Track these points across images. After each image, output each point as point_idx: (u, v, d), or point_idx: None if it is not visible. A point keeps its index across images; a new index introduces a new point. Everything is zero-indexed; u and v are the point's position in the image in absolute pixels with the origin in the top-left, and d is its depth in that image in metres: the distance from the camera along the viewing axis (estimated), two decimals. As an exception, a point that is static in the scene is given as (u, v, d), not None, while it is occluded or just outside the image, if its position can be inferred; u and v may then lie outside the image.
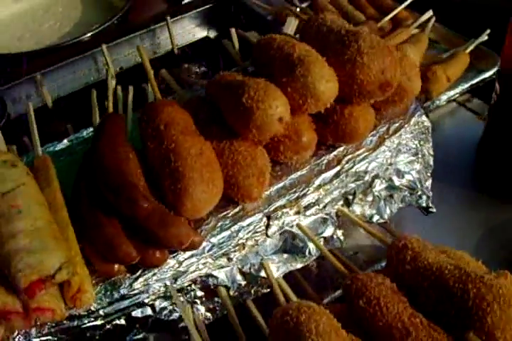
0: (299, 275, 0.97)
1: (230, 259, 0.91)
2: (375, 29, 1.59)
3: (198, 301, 0.93)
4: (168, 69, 1.20)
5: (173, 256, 0.86)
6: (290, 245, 0.96)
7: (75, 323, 0.82)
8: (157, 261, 0.83)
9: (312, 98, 0.87)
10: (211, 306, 0.94)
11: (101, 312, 0.83)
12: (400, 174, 1.03)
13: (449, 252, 0.89)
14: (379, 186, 1.02)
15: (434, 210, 1.10)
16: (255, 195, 0.89)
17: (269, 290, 0.93)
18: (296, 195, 0.93)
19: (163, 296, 0.88)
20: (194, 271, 0.88)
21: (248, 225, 0.91)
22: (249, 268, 0.94)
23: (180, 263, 0.87)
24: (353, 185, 0.98)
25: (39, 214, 0.81)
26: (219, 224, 0.90)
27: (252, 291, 0.95)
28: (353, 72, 0.90)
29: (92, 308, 0.82)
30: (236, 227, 0.90)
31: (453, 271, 0.79)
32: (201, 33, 1.57)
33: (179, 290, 0.90)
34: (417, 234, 0.94)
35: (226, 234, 0.89)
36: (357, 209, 1.01)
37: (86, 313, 0.82)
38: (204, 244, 0.87)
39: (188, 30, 1.54)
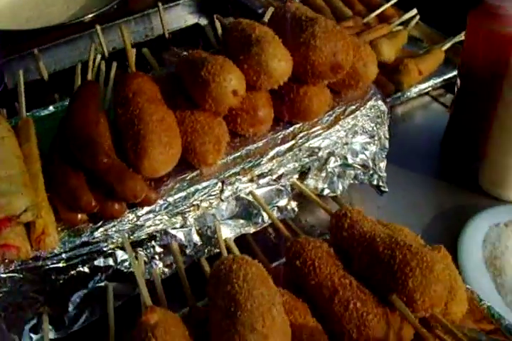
0: (251, 240, 1.06)
1: (184, 218, 1.00)
2: (360, 24, 1.68)
3: (157, 257, 1.03)
4: (158, 51, 1.31)
5: (132, 211, 0.96)
6: (245, 211, 1.05)
7: (40, 263, 0.92)
8: (116, 212, 0.93)
9: (265, 75, 0.97)
10: (168, 262, 1.04)
11: (63, 255, 0.93)
12: (354, 153, 1.12)
13: (390, 226, 0.97)
14: (333, 163, 1.10)
15: (387, 189, 1.19)
16: (210, 160, 0.98)
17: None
18: (251, 164, 1.02)
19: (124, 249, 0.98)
20: (150, 226, 0.98)
21: (204, 188, 1.00)
22: (206, 230, 1.04)
23: (138, 217, 0.96)
24: (307, 160, 1.07)
25: (14, 164, 0.91)
26: (177, 185, 0.99)
27: (206, 250, 1.05)
28: (307, 53, 0.99)
29: (56, 251, 0.92)
30: (192, 189, 0.99)
31: (384, 239, 0.85)
32: (192, 20, 1.68)
33: (140, 245, 1.00)
34: (372, 213, 1.03)
35: (182, 194, 0.98)
36: (311, 183, 1.10)
37: (50, 255, 0.92)
38: (161, 202, 0.97)
39: (181, 17, 1.65)
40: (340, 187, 1.12)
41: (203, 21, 1.68)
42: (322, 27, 1.00)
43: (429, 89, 1.53)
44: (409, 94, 1.48)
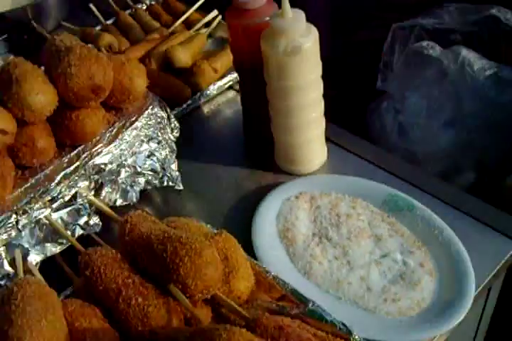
0: (59, 259, 1.13)
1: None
2: (166, 34, 1.76)
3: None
4: None
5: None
6: (49, 234, 1.13)
7: None
8: None
9: (28, 110, 1.04)
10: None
11: None
12: (143, 161, 1.22)
13: (175, 221, 1.07)
14: (124, 174, 1.20)
15: (181, 187, 1.29)
16: (-2, 198, 1.05)
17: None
18: (40, 191, 1.09)
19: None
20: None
21: None
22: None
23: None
24: (97, 177, 1.16)
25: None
26: (-27, 224, 1.05)
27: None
28: (66, 82, 1.07)
29: None
30: (-12, 226, 1.06)
31: (158, 236, 0.95)
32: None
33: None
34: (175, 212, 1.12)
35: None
36: (107, 196, 1.19)
37: None
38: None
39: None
40: (134, 195, 1.22)
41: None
42: (76, 54, 1.08)
43: (231, 83, 1.62)
44: (208, 92, 1.57)
